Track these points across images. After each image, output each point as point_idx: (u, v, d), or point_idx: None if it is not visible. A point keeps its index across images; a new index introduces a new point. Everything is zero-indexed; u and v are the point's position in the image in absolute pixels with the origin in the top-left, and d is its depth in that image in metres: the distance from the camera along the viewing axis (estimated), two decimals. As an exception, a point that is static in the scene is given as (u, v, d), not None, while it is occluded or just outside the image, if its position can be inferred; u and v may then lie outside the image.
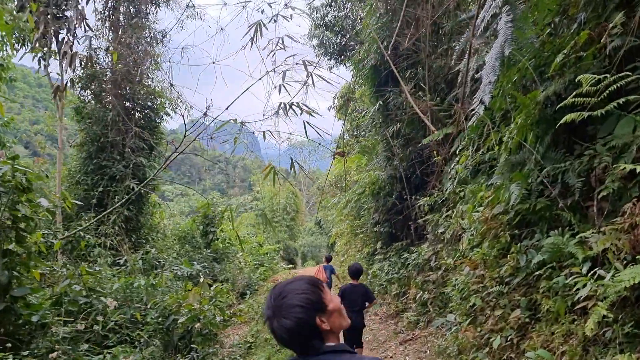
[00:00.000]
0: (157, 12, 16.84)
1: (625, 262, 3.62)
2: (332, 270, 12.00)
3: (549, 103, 4.87)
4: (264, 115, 4.61)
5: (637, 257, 3.52)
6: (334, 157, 6.14)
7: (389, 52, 8.04)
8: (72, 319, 7.16)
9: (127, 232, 14.96)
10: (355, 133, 21.32)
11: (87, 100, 15.71)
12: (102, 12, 15.85)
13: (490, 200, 5.27)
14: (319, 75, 4.76)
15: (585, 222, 4.32)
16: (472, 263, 5.83)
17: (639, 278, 3.23)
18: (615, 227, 3.71)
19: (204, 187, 78.27)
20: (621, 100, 3.87)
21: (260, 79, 4.59)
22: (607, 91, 3.88)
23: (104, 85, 15.68)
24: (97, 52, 15.71)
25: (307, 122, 4.21)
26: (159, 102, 16.72)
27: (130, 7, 16.15)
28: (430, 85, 8.47)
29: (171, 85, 16.33)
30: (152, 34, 16.78)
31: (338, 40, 20.71)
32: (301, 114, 4.21)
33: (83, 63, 12.39)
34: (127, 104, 16.14)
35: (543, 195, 4.89)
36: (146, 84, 16.41)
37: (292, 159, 3.84)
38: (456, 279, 6.20)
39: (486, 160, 6.64)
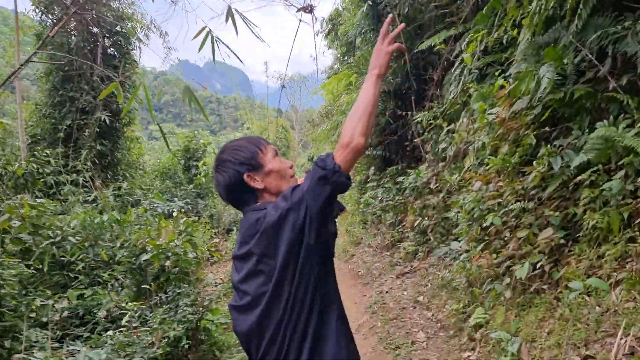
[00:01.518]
0: None
1: None
2: None
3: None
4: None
5: None
6: (301, 18, 4.87)
7: None
8: (19, 260, 6.23)
9: (102, 168, 13.95)
10: (345, 58, 19.97)
11: (49, 26, 14.18)
12: None
13: (511, 91, 4.06)
14: None
15: (645, 107, 3.19)
16: (484, 177, 4.73)
17: None
18: None
19: (195, 128, 76.77)
20: None
21: None
22: None
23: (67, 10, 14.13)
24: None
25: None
26: (129, 26, 15.21)
27: None
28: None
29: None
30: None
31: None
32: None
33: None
34: (94, 29, 14.64)
35: (579, 81, 3.74)
36: (114, 6, 14.83)
37: (229, 7, 2.63)
38: (464, 199, 5.08)
39: (497, 59, 5.45)
